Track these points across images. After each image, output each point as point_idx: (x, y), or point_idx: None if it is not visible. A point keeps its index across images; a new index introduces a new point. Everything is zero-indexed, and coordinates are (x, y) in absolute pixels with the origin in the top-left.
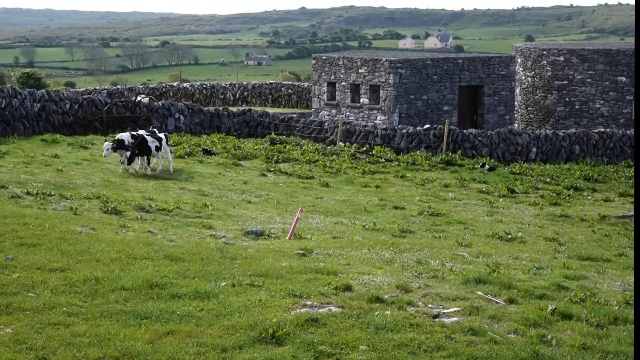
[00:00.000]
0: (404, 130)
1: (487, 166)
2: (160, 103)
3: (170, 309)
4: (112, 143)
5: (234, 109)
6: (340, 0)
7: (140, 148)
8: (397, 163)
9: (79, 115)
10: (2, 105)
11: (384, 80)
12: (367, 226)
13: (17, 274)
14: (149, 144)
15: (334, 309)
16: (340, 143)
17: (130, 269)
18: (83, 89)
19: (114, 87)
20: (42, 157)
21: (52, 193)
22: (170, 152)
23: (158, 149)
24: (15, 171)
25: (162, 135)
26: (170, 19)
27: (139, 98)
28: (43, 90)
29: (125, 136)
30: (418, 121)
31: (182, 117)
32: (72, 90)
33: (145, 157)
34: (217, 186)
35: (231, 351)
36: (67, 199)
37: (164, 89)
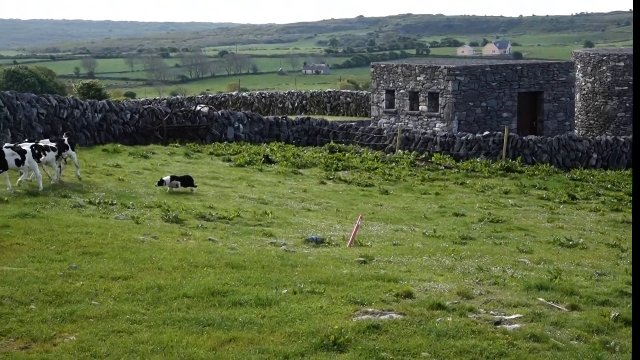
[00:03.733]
0: (463, 138)
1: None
2: (219, 112)
3: (232, 316)
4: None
5: (292, 118)
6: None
7: None
8: (456, 170)
9: (140, 125)
10: (64, 116)
11: (442, 87)
12: (427, 233)
13: (81, 282)
14: (6, 157)
15: (395, 315)
16: (399, 150)
17: (192, 277)
18: (143, 99)
19: (173, 97)
20: (104, 167)
21: (114, 202)
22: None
23: (19, 162)
24: (77, 181)
25: (27, 147)
26: (228, 29)
27: (198, 107)
28: (104, 101)
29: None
30: (477, 128)
31: (241, 126)
32: (132, 100)
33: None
34: (277, 194)
35: (293, 358)
36: (129, 208)
37: (223, 99)
